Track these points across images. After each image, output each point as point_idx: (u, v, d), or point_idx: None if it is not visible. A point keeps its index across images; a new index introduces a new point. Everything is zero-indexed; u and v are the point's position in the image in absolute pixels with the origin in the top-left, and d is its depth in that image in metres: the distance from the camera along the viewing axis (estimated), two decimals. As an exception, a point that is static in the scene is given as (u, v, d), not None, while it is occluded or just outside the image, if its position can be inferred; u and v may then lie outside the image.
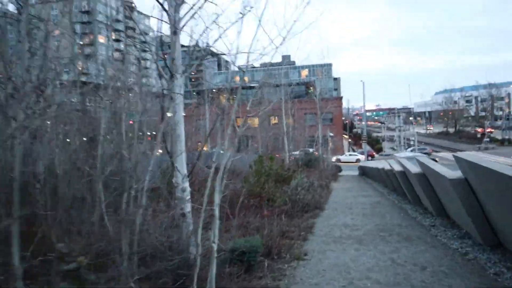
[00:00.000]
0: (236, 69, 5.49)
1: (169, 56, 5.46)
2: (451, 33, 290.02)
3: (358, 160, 50.93)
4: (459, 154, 6.45)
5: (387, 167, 16.38)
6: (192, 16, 5.20)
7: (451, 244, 6.36)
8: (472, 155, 6.35)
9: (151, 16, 5.33)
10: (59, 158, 6.26)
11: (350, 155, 57.41)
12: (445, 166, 7.73)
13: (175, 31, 5.04)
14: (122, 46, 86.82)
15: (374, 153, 60.75)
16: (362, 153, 55.39)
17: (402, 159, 13.34)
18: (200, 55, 5.21)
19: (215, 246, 3.89)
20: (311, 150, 37.06)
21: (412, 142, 71.67)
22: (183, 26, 5.22)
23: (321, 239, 7.32)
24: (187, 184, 5.68)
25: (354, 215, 10.42)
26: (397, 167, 13.08)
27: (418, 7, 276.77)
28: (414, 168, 9.81)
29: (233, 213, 7.71)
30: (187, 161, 5.67)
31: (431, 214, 9.51)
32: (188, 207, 5.79)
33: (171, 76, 5.31)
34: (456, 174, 6.41)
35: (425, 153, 55.51)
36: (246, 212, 8.04)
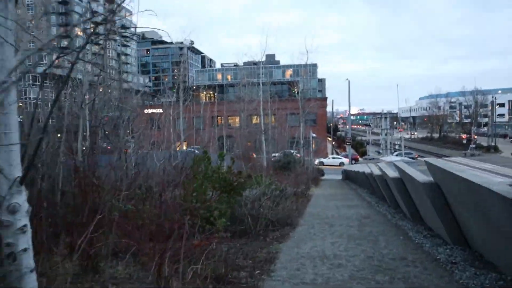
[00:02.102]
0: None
1: None
2: (436, 41, 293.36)
3: (342, 164, 48.86)
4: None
5: (376, 172, 13.77)
6: None
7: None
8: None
9: None
10: None
11: (333, 158, 55.44)
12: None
13: None
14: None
15: (358, 157, 58.95)
16: (346, 156, 53.23)
17: (399, 162, 10.68)
18: None
19: None
20: (292, 151, 34.45)
21: (397, 147, 70.04)
22: None
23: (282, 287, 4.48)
24: (22, 198, 2.86)
25: (336, 237, 7.64)
26: (391, 173, 10.44)
27: (401, 15, 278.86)
28: (419, 176, 7.12)
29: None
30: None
31: (441, 238, 6.84)
32: (24, 242, 2.97)
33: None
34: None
35: (411, 158, 53.87)
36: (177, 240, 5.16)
